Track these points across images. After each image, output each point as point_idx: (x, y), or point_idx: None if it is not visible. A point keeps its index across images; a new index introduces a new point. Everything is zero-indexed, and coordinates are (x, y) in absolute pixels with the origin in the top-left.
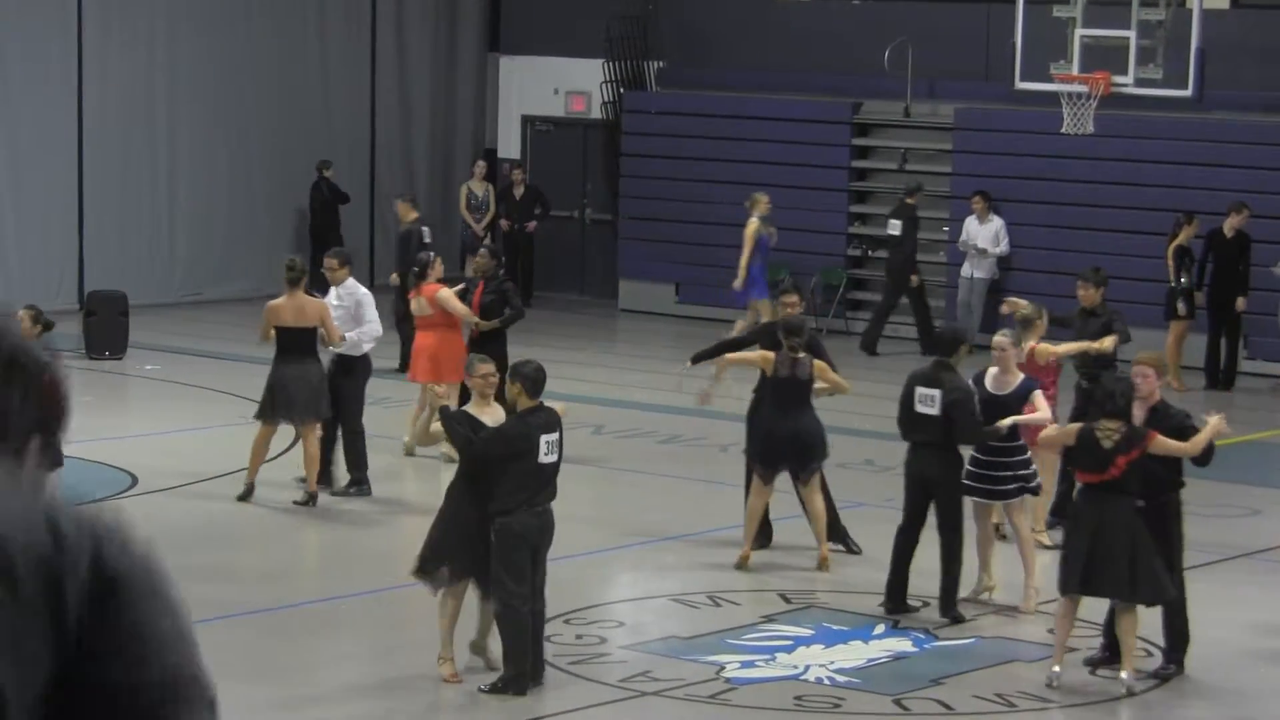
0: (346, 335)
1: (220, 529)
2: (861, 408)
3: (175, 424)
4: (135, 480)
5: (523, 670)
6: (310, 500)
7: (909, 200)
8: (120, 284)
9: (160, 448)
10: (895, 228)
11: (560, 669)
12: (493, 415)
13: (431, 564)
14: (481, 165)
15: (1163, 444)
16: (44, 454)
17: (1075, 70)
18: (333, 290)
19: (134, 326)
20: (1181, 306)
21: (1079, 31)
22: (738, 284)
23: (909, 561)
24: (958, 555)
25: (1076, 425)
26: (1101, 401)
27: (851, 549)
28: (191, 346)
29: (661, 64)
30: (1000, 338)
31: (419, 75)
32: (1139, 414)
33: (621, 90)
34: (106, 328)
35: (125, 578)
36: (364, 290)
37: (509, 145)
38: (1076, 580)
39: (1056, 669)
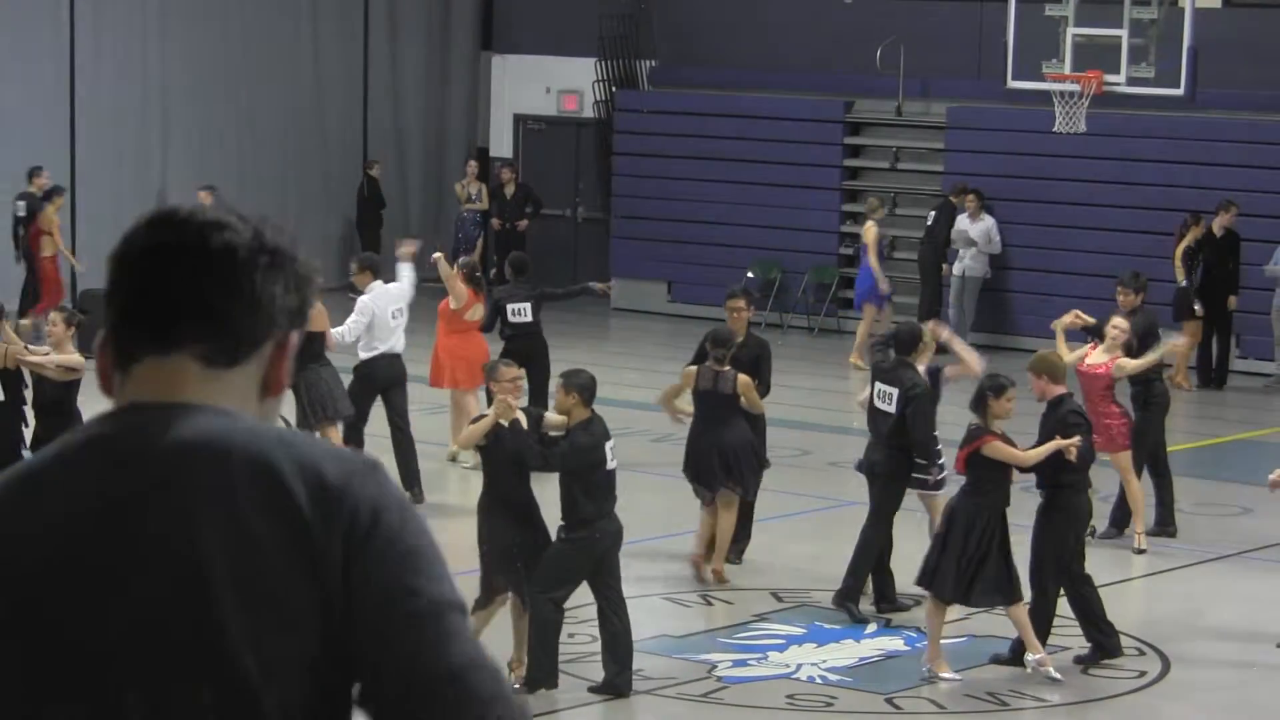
0: (331, 331)
1: None
2: (853, 405)
3: None
4: None
5: (544, 672)
6: None
7: (953, 199)
8: None
9: None
10: (930, 217)
11: None
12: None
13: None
14: (473, 165)
15: (996, 449)
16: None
17: (1067, 69)
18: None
19: None
20: (1197, 307)
21: (1071, 30)
22: (884, 287)
23: (888, 557)
24: (870, 550)
25: None
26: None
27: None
28: None
29: (653, 63)
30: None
31: (412, 74)
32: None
33: (614, 89)
34: (99, 328)
35: (385, 511)
36: (366, 298)
37: (501, 144)
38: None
39: (1030, 658)
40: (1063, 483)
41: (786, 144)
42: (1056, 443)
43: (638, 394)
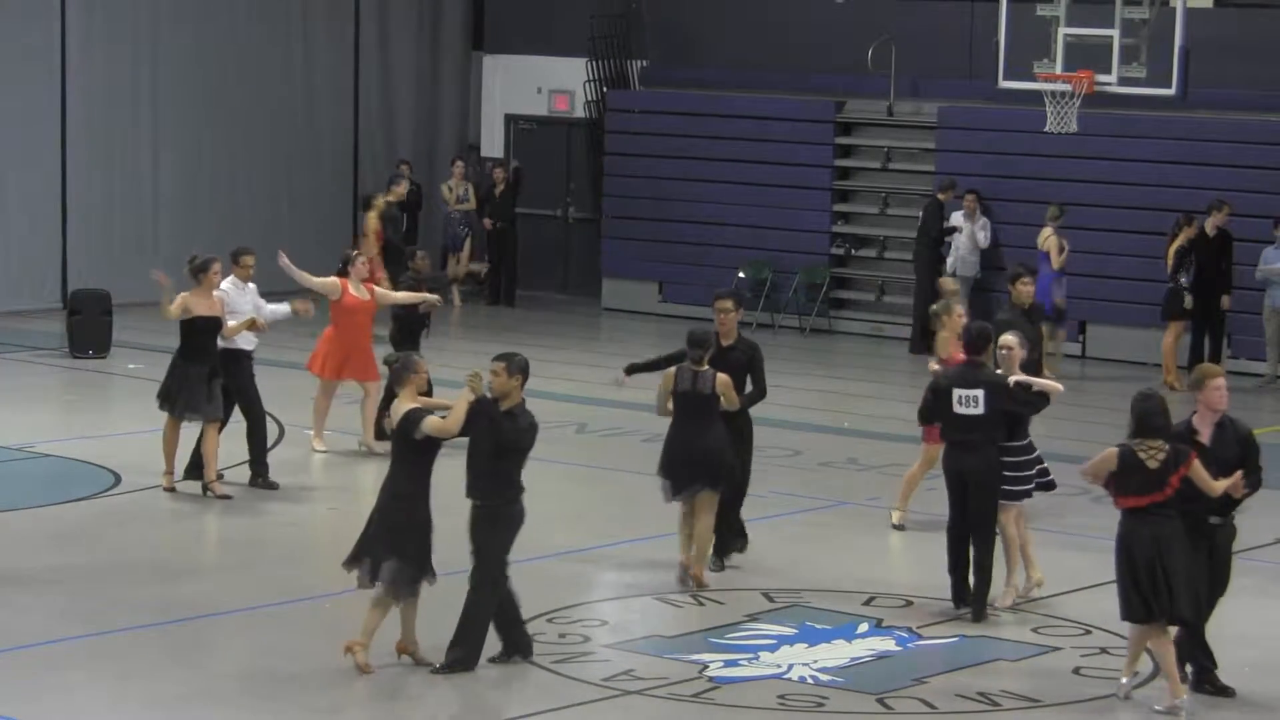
0: (266, 309)
1: (202, 528)
2: (845, 405)
3: (158, 423)
4: (118, 479)
5: (477, 649)
6: (206, 491)
7: (940, 196)
8: (104, 283)
9: (143, 446)
10: (920, 217)
11: (543, 667)
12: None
13: (407, 571)
14: (460, 165)
15: (1197, 472)
16: None
17: (1059, 69)
18: (230, 281)
19: (117, 325)
20: (1187, 299)
21: (1062, 30)
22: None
23: (967, 560)
24: (991, 553)
25: (1114, 449)
26: (1142, 419)
27: (716, 566)
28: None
29: (645, 63)
30: (1009, 337)
31: (402, 74)
32: (1206, 429)
33: (605, 89)
34: (90, 326)
35: None
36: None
37: (492, 144)
38: (1143, 608)
39: (1125, 680)
40: (1232, 503)
41: (777, 144)
42: (1233, 484)
43: (629, 395)
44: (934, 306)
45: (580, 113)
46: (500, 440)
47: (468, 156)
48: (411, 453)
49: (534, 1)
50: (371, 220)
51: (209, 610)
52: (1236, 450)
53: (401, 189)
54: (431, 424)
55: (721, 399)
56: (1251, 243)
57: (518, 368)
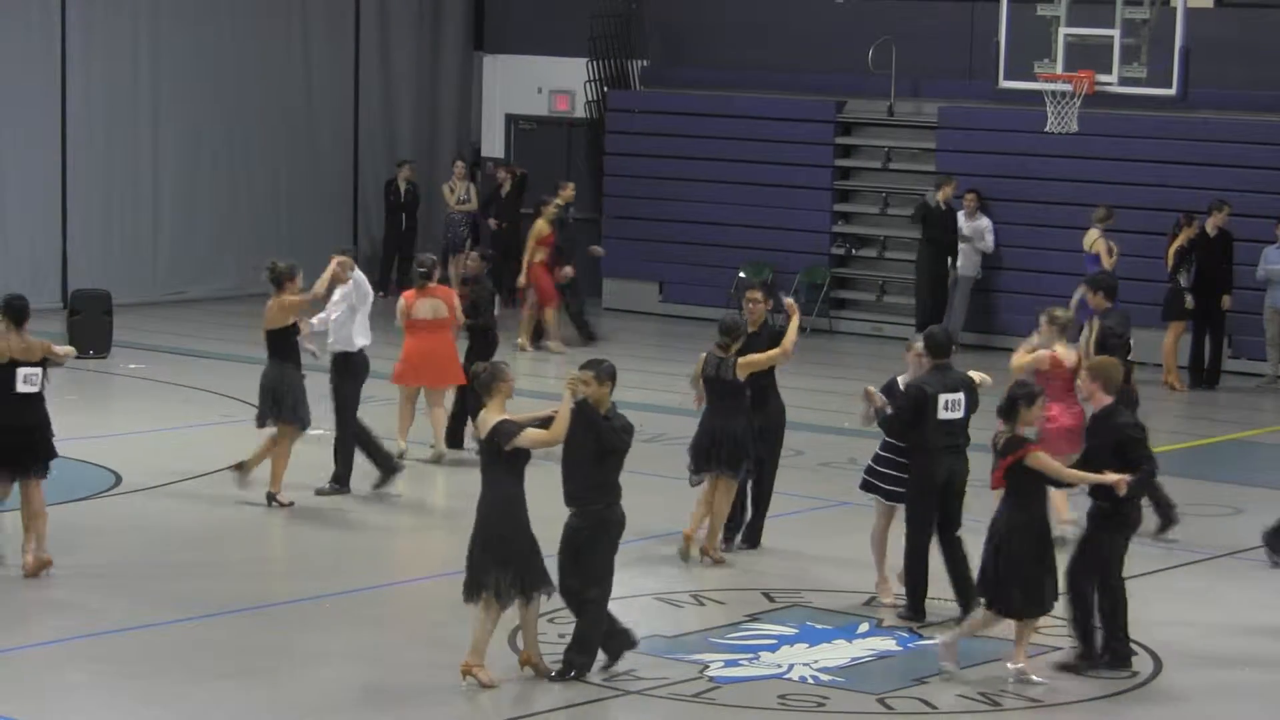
0: (317, 319)
1: (203, 527)
2: (846, 406)
3: (159, 423)
4: (119, 479)
5: (594, 656)
6: (269, 501)
7: (939, 196)
8: (104, 283)
9: (144, 446)
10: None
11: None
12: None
13: (494, 588)
14: (460, 166)
15: (1040, 461)
16: None
17: (1059, 69)
18: (337, 290)
19: (118, 325)
20: (1189, 299)
21: (1063, 30)
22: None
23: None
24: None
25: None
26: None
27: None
28: (175, 345)
29: (645, 63)
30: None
31: (403, 74)
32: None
33: (605, 89)
34: (91, 327)
35: None
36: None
37: (493, 144)
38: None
39: (1010, 666)
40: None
41: (778, 144)
42: (1107, 476)
43: (630, 394)
44: (1059, 312)
45: (580, 113)
46: (603, 442)
47: (478, 163)
48: (502, 465)
49: (534, 1)
50: (540, 226)
51: (209, 610)
52: (1109, 439)
53: (569, 192)
54: (532, 436)
55: (773, 356)
56: (1252, 243)
57: (606, 374)
